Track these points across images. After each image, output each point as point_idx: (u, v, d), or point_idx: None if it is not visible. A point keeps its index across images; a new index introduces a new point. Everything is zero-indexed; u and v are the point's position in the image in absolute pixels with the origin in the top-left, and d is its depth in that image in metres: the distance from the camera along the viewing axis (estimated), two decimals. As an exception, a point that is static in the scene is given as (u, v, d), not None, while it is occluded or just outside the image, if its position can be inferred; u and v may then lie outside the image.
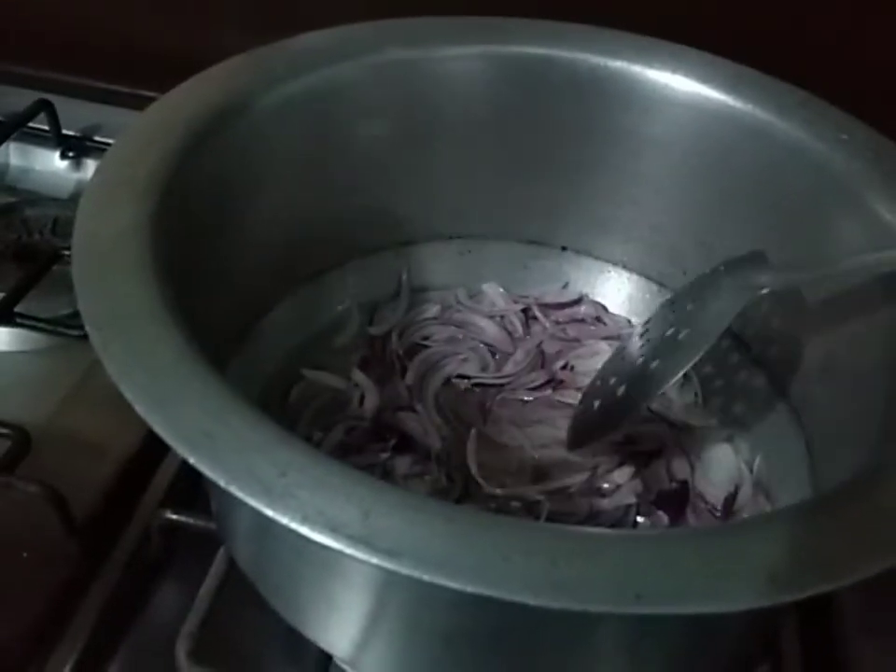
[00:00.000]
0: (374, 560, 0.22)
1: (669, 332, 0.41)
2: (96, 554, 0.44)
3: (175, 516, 0.42)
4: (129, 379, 0.26)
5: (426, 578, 0.22)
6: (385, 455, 0.43)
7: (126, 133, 0.36)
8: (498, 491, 0.41)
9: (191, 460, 0.24)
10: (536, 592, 0.21)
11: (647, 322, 0.44)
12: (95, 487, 0.46)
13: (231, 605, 0.40)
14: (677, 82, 0.44)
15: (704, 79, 0.43)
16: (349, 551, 0.22)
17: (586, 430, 0.43)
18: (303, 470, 0.24)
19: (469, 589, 0.21)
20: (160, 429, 0.24)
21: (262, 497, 0.23)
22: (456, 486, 0.42)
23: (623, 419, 0.42)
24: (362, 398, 0.46)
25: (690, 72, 0.44)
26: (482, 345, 0.50)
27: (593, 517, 0.41)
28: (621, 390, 0.42)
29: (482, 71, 0.45)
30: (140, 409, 0.25)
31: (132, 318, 0.28)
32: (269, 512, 0.23)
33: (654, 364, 0.41)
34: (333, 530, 0.23)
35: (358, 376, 0.46)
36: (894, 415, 0.34)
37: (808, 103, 0.42)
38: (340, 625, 0.33)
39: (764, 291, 0.38)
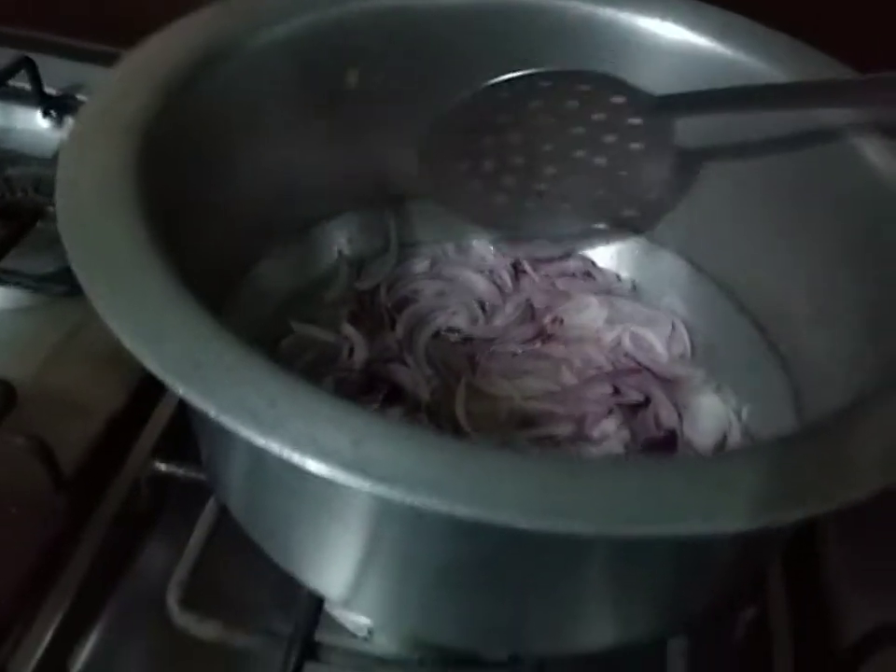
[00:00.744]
0: (367, 486, 0.22)
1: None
2: (85, 507, 0.44)
3: (164, 466, 0.42)
4: (117, 314, 0.26)
5: (417, 503, 0.22)
6: (375, 407, 0.43)
7: (107, 80, 0.35)
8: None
9: (181, 391, 0.24)
10: (526, 515, 0.21)
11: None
12: (82, 442, 0.46)
13: (222, 553, 0.40)
14: (665, 30, 0.43)
15: (692, 27, 0.43)
16: (341, 478, 0.22)
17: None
18: (294, 401, 0.24)
19: (460, 513, 0.22)
20: (149, 362, 0.24)
21: (253, 426, 0.23)
22: (446, 436, 0.42)
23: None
24: (351, 351, 0.46)
25: (679, 19, 0.43)
26: (471, 299, 0.50)
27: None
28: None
29: (473, 18, 0.44)
30: (128, 342, 0.25)
31: (118, 256, 0.28)
32: (260, 441, 0.23)
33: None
34: (325, 457, 0.23)
35: (348, 329, 0.46)
36: (880, 359, 0.35)
37: (798, 50, 0.42)
38: (333, 566, 0.33)
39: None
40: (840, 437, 0.26)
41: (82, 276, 0.27)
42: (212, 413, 0.23)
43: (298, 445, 0.23)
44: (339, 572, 0.33)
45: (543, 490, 0.22)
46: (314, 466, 0.22)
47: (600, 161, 0.44)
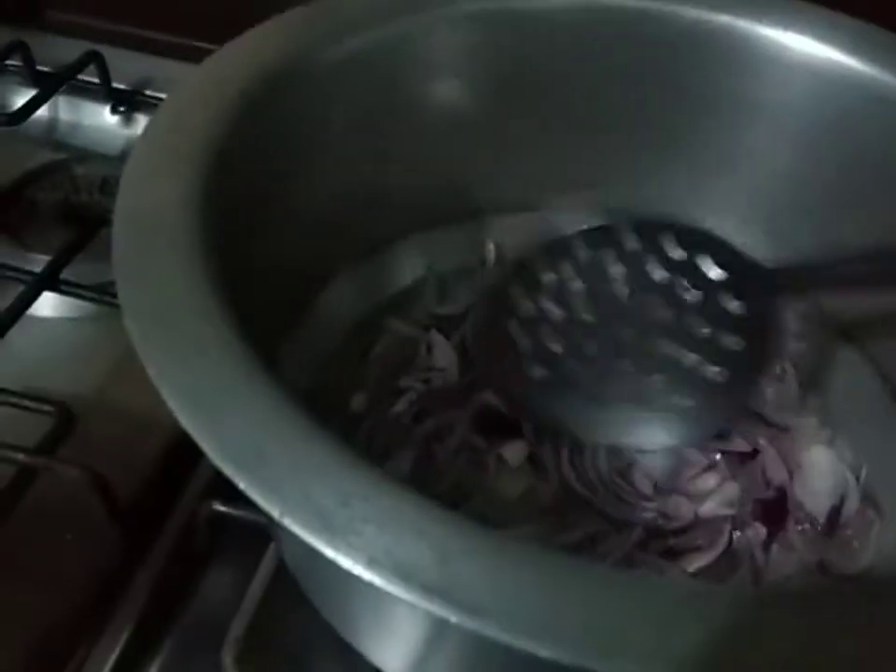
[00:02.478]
0: (454, 618, 0.19)
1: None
2: (141, 540, 0.41)
3: (222, 508, 0.39)
4: (171, 382, 0.23)
5: (515, 644, 0.18)
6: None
7: (173, 97, 0.32)
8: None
9: (241, 485, 0.20)
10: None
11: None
12: (140, 465, 0.43)
13: (281, 606, 0.37)
14: (789, 40, 0.38)
15: (820, 38, 0.38)
16: (424, 604, 0.19)
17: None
18: (369, 500, 0.20)
19: (568, 661, 0.18)
20: (207, 447, 0.21)
21: (322, 532, 0.20)
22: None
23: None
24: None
25: (805, 29, 0.38)
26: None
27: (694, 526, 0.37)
28: None
29: (567, 24, 0.40)
30: (185, 421, 0.22)
31: (175, 310, 0.25)
32: (329, 553, 0.19)
33: None
34: (405, 578, 0.19)
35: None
36: None
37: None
38: (394, 646, 0.30)
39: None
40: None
41: (134, 331, 0.24)
42: (275, 513, 0.20)
43: (373, 561, 0.19)
44: (399, 654, 0.29)
45: (667, 634, 0.18)
46: (392, 589, 0.19)
47: (678, 353, 0.36)
